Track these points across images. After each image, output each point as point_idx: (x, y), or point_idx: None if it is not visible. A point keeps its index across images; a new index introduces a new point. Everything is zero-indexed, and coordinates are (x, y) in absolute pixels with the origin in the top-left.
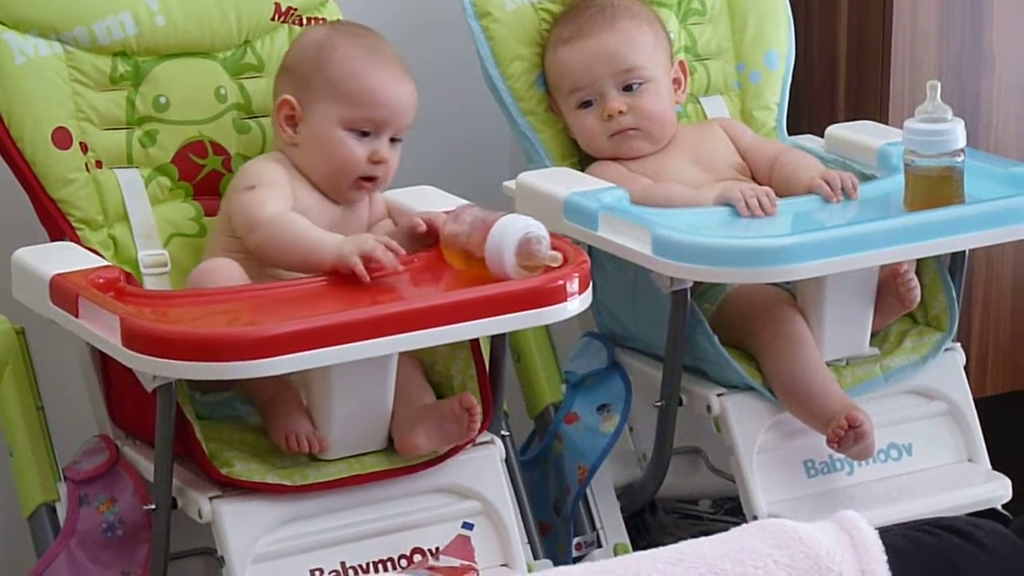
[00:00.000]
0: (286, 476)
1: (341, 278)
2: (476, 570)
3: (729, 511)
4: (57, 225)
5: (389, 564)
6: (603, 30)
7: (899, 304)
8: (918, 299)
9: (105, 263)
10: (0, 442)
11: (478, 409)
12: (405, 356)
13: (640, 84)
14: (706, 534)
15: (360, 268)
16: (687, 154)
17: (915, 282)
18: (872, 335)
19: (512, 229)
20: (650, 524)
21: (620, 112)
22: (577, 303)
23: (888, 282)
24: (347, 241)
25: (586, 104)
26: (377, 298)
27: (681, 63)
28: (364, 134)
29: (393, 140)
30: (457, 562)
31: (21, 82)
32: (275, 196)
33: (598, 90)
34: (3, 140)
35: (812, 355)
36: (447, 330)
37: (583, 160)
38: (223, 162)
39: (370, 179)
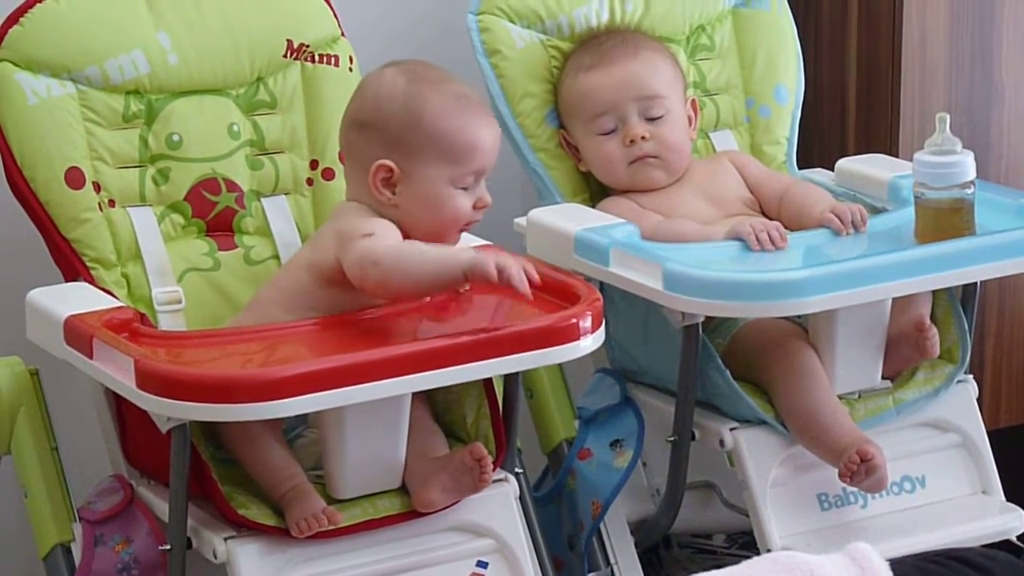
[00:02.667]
0: None
1: (358, 319)
2: None
3: (743, 545)
4: (71, 265)
5: None
6: (628, 58)
7: (917, 355)
8: (938, 352)
9: (119, 304)
10: (15, 483)
11: (489, 460)
12: (416, 400)
13: (662, 114)
14: (720, 568)
15: (492, 272)
16: (698, 189)
17: (937, 337)
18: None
19: None
20: (664, 559)
21: (643, 138)
22: (590, 341)
23: (909, 334)
24: (481, 252)
25: (607, 132)
26: (394, 338)
27: (692, 101)
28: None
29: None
30: None
31: (34, 123)
32: (394, 238)
33: (621, 115)
34: (17, 181)
35: (824, 389)
36: (460, 370)
37: (594, 196)
38: (236, 199)
39: (467, 224)
